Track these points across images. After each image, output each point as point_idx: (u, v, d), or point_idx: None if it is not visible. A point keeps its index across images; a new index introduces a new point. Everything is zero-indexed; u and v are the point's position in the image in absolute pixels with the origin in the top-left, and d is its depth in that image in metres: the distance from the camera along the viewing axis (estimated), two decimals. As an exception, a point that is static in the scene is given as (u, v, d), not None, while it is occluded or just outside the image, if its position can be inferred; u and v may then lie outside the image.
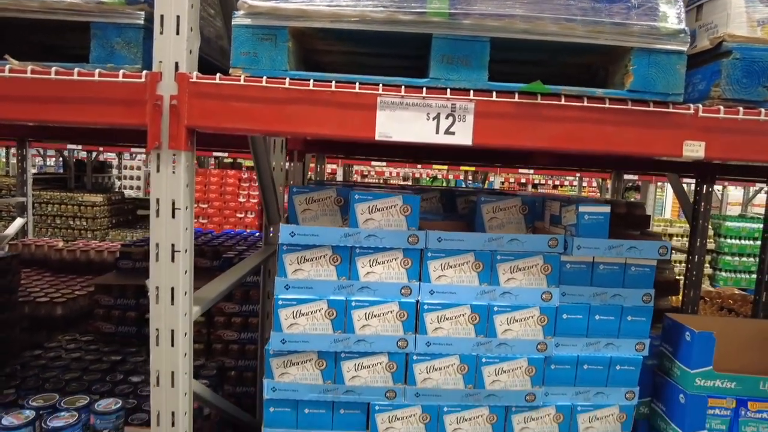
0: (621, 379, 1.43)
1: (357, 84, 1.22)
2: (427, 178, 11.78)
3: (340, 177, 8.01)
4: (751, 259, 7.13)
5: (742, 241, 7.20)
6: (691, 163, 3.16)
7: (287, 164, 2.57)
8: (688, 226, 7.47)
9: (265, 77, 1.21)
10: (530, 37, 1.19)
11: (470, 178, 11.18)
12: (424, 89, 1.21)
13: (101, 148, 8.03)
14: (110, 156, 12.61)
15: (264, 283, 2.36)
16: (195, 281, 1.37)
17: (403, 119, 1.22)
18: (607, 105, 1.23)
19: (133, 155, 12.85)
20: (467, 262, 1.36)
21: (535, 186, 14.04)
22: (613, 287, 1.41)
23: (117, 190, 11.46)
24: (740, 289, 6.69)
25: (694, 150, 1.26)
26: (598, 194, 9.94)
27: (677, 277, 3.32)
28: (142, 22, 1.26)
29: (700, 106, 1.25)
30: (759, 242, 7.08)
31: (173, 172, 1.25)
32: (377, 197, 1.34)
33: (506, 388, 1.38)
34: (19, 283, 3.02)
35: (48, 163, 14.73)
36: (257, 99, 1.22)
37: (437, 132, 1.22)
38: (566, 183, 13.91)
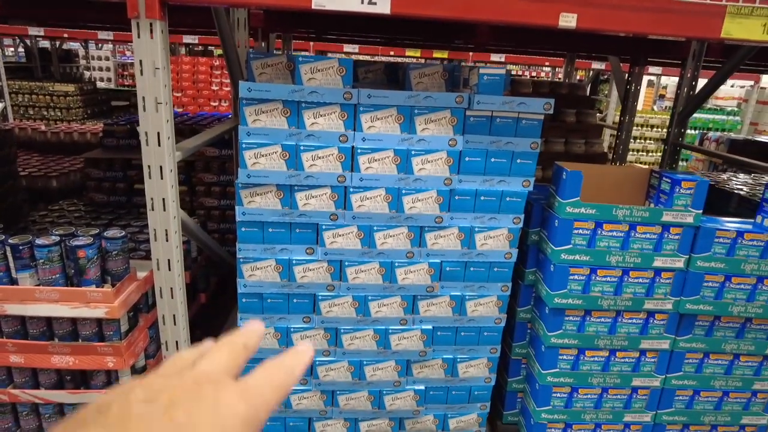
0: (510, 207, 1.88)
1: (296, -39, 1.48)
2: (403, 69, 11.73)
3: (313, 66, 8.05)
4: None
5: (699, 131, 7.67)
6: (625, 46, 3.45)
7: (253, 42, 2.80)
8: (662, 117, 7.89)
9: (219, -45, 1.47)
10: None
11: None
12: (351, -34, 1.48)
13: (65, 34, 7.81)
14: (74, 46, 12.13)
15: (237, 144, 2.71)
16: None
17: (335, -7, 1.50)
18: (499, -18, 1.52)
19: (100, 45, 12.37)
20: (391, 115, 1.73)
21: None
22: (507, 136, 1.80)
23: (86, 80, 11.21)
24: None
25: (568, 21, 1.59)
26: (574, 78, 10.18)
27: (604, 150, 3.77)
28: None
29: (575, -17, 1.55)
30: (717, 133, 7.59)
31: (151, 38, 1.55)
32: (318, 59, 1.66)
33: (421, 212, 1.82)
34: (17, 154, 3.32)
35: (6, 53, 14.05)
36: (214, -26, 1.48)
37: (362, 2, 1.51)
38: (543, 74, 14.00)
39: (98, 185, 3.35)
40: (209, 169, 3.42)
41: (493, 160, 1.82)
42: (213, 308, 2.87)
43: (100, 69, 13.17)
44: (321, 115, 1.70)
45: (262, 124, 1.69)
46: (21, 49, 11.86)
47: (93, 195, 3.38)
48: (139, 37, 1.54)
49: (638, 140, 8.46)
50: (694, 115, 4.07)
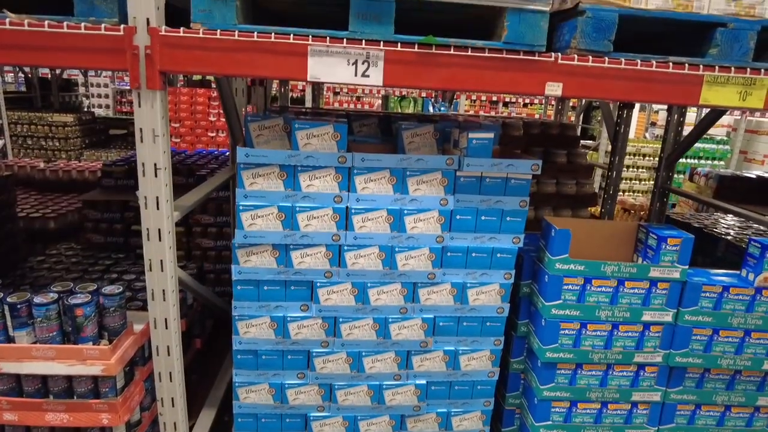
0: (501, 263, 1.92)
1: (291, 35, 1.55)
2: (396, 96, 11.91)
3: (309, 96, 8.15)
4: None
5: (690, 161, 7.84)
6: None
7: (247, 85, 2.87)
8: (654, 146, 8.06)
9: (219, 31, 1.53)
10: (427, -1, 1.52)
11: (440, 96, 11.35)
12: (345, 40, 1.55)
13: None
14: (73, 73, 12.29)
15: (233, 195, 2.75)
16: (173, 194, 1.75)
17: (329, 64, 1.57)
18: (486, 54, 1.59)
19: (99, 72, 12.53)
20: (384, 177, 1.78)
21: (506, 104, 14.31)
22: (496, 195, 1.85)
23: (86, 109, 11.33)
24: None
25: (553, 89, 1.66)
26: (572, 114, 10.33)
27: (595, 191, 3.84)
28: (115, -21, 1.54)
29: (560, 54, 1.63)
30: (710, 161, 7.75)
31: (152, 107, 1.60)
32: (313, 126, 1.72)
33: (414, 269, 1.86)
34: (16, 198, 3.35)
35: (6, 80, 14.20)
36: (213, 48, 1.55)
37: (356, 75, 1.58)
38: (536, 101, 14.23)
39: (96, 226, 3.38)
40: (206, 210, 3.46)
41: (483, 218, 1.87)
42: (209, 352, 2.88)
43: (99, 96, 13.32)
44: (317, 178, 1.75)
45: (259, 186, 1.73)
46: (21, 75, 11.97)
47: (90, 236, 3.40)
48: (140, 106, 1.60)
49: (630, 168, 8.58)
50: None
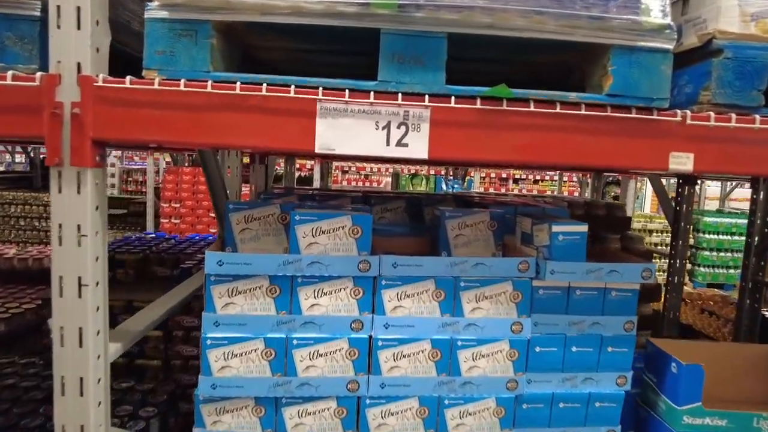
0: (601, 417, 1.28)
1: (293, 87, 1.03)
2: (407, 174, 11.61)
3: (317, 174, 7.78)
4: (729, 254, 7.14)
5: (720, 237, 7.20)
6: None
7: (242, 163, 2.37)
8: (668, 221, 7.40)
9: (183, 80, 1.02)
10: (494, 32, 1.02)
11: (450, 173, 11.04)
12: (372, 94, 1.03)
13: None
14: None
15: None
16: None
17: (348, 128, 1.04)
18: (582, 111, 1.07)
19: (108, 151, 12.44)
20: (427, 290, 1.19)
21: (516, 181, 13.97)
22: (591, 315, 1.25)
23: (88, 188, 11.08)
24: (715, 285, 6.68)
25: (681, 162, 1.11)
26: (579, 190, 9.88)
27: (658, 282, 3.22)
28: (38, 13, 1.06)
29: (688, 112, 1.10)
30: (736, 237, 7.05)
31: (78, 193, 1.06)
32: (322, 218, 1.16)
33: (472, 432, 1.22)
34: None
35: (18, 160, 14.20)
36: (175, 105, 1.03)
37: (388, 144, 1.04)
38: (547, 178, 13.87)
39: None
40: (190, 310, 2.86)
41: (574, 349, 1.25)
42: None
43: (107, 176, 13.18)
44: (325, 293, 1.17)
45: (238, 309, 1.15)
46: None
47: (48, 341, 2.79)
48: (60, 192, 1.05)
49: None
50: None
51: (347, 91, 1.03)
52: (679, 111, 1.09)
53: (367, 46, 1.10)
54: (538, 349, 1.24)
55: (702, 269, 7.22)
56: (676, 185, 3.22)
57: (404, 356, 1.19)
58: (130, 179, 13.62)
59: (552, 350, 1.24)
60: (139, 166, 12.88)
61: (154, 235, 4.00)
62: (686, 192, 3.07)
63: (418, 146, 1.04)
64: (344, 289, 1.17)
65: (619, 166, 1.11)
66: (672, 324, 2.74)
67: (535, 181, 14.13)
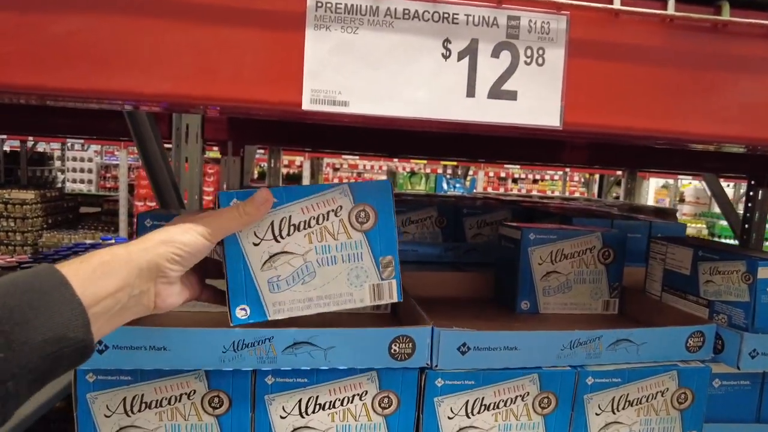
0: None
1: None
2: (404, 172, 11.00)
3: (307, 172, 7.12)
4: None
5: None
6: (739, 160, 2.50)
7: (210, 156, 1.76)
8: (733, 232, 6.89)
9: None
10: None
11: (449, 172, 10.46)
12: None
13: (31, 138, 6.99)
14: (55, 146, 11.45)
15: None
16: None
17: (377, 56, 0.45)
18: None
19: (85, 146, 11.67)
20: (521, 394, 0.61)
21: (515, 180, 13.39)
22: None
23: (59, 185, 10.41)
24: None
25: None
26: (585, 191, 9.35)
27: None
28: None
29: None
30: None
31: None
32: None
33: None
34: None
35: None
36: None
37: (471, 92, 0.46)
38: (547, 177, 13.31)
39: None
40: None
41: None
42: None
43: (81, 171, 12.49)
44: (320, 405, 0.58)
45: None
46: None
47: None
48: None
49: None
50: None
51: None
52: None
53: None
54: (720, 494, 0.66)
55: None
56: (746, 188, 2.67)
57: None
58: (108, 175, 12.87)
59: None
60: (118, 162, 12.18)
61: (113, 242, 3.37)
62: (759, 195, 2.51)
63: (540, 99, 0.46)
64: (360, 397, 0.58)
65: None
66: None
67: (534, 181, 13.58)
